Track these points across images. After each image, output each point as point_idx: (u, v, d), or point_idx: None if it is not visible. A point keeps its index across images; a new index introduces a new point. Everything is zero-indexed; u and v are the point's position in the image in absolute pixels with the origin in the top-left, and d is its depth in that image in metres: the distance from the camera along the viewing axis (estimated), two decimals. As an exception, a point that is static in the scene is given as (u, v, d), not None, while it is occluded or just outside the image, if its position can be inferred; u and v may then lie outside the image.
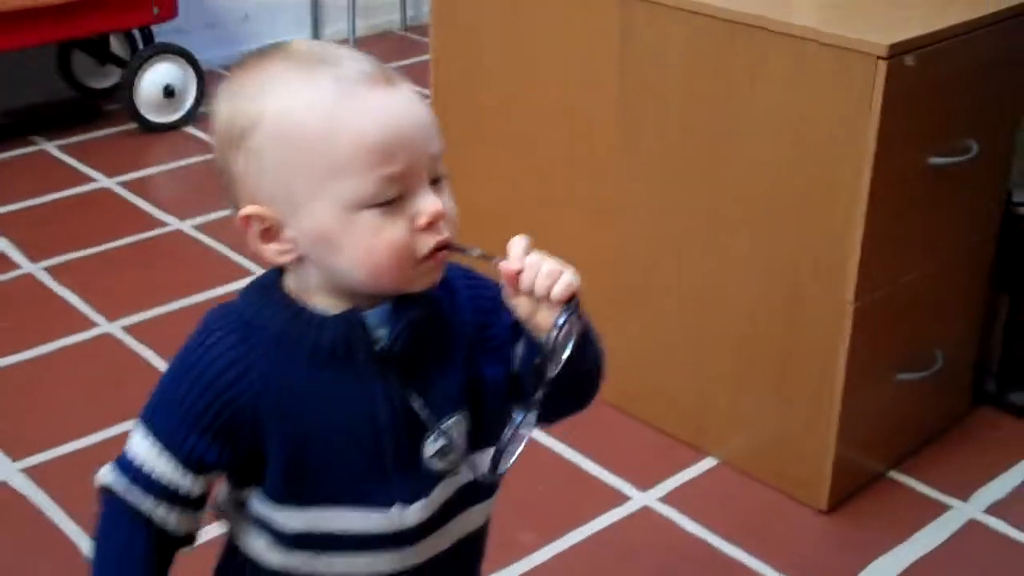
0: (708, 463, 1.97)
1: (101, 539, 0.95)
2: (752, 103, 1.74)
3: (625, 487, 1.91)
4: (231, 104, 0.90)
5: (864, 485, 1.92)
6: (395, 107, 0.88)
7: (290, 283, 0.93)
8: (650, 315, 1.99)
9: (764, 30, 1.71)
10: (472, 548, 1.02)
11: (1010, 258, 2.01)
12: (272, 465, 0.92)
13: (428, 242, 0.88)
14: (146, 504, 0.92)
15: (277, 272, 0.94)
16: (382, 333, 0.91)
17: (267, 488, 0.93)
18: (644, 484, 1.92)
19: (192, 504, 0.94)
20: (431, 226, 0.88)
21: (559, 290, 0.87)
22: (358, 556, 0.95)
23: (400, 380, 0.92)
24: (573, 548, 1.79)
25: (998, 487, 1.93)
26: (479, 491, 0.98)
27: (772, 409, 1.87)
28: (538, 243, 0.90)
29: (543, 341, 0.89)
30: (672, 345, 1.97)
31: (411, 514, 0.94)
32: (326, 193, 0.87)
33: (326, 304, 0.91)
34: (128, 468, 0.93)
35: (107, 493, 0.94)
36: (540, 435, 1.99)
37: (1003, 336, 2.09)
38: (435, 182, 0.90)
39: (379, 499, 0.93)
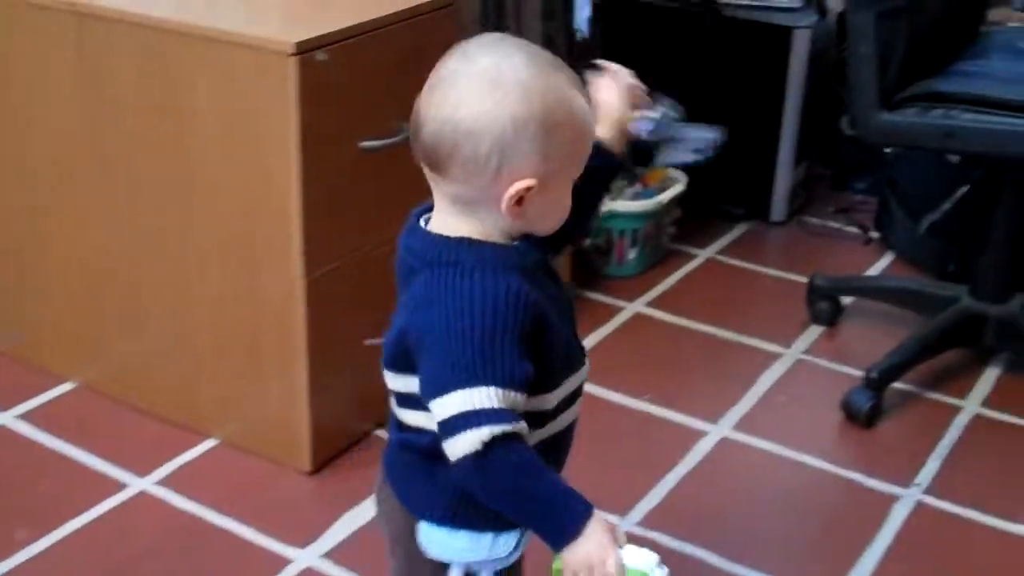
0: (207, 445, 2.09)
1: (516, 477, 1.10)
2: (194, 106, 1.87)
3: (124, 475, 2.00)
4: (530, 99, 1.11)
5: (351, 444, 2.09)
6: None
7: (469, 231, 1.14)
8: (139, 310, 2.09)
9: (195, 36, 1.84)
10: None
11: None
12: (544, 361, 1.12)
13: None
14: (518, 425, 1.08)
15: (444, 236, 1.15)
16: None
17: (540, 380, 1.12)
18: (142, 471, 2.01)
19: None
20: None
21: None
22: (570, 408, 1.23)
23: (559, 276, 1.22)
24: (68, 538, 1.86)
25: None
26: None
27: (251, 386, 2.01)
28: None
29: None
30: (161, 336, 2.08)
31: (587, 366, 1.24)
32: (572, 168, 1.15)
33: (492, 238, 1.14)
34: (492, 417, 1.07)
35: (485, 449, 1.07)
36: (39, 436, 2.07)
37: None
38: None
39: (580, 358, 1.23)
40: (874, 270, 2.80)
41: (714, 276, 2.76)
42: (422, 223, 1.20)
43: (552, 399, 1.17)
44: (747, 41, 2.84)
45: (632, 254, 2.68)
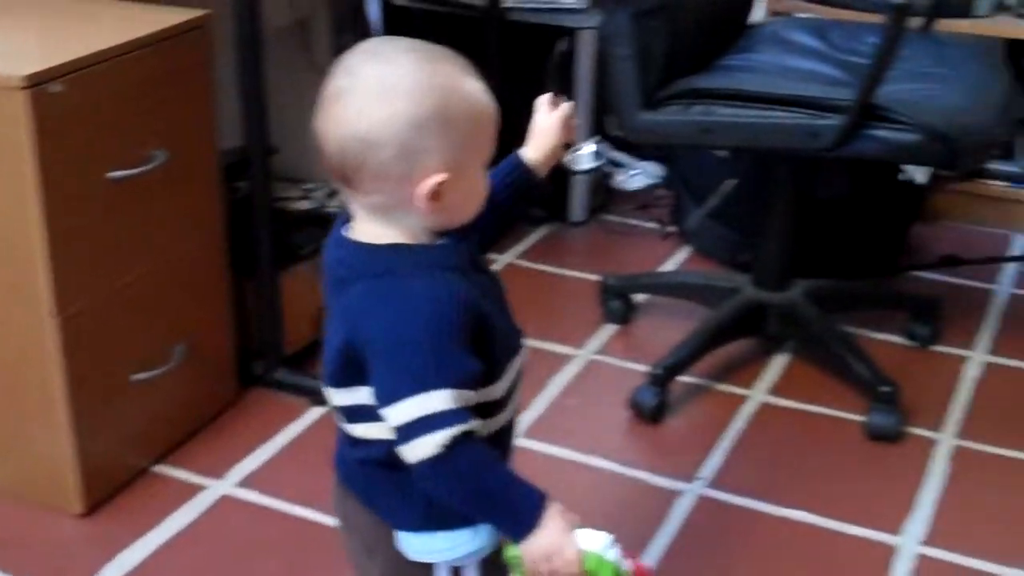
0: (-24, 493, 2.02)
1: (474, 475, 1.14)
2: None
3: None
4: (431, 97, 1.15)
5: (126, 483, 2.03)
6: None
7: (385, 237, 1.18)
8: None
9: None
10: None
11: (242, 245, 2.19)
12: (489, 354, 1.17)
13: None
14: (472, 424, 1.13)
15: (368, 245, 1.18)
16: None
17: (485, 376, 1.16)
18: (-94, 527, 1.94)
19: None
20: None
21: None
22: (515, 394, 1.26)
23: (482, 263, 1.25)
24: None
25: (254, 460, 2.11)
26: None
27: (13, 429, 1.94)
28: None
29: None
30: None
31: (525, 347, 1.27)
32: (479, 158, 1.19)
33: (416, 239, 1.18)
34: (450, 419, 1.11)
35: (445, 451, 1.11)
36: None
37: (257, 319, 2.27)
38: None
39: (518, 342, 1.25)
40: (672, 264, 2.83)
41: (513, 281, 2.68)
42: (345, 233, 1.22)
43: (499, 388, 1.21)
44: (534, 44, 2.84)
45: (427, 264, 2.66)
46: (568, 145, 1.43)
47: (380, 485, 1.25)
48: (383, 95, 1.13)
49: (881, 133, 1.96)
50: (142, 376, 2.00)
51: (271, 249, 2.20)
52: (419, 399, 1.12)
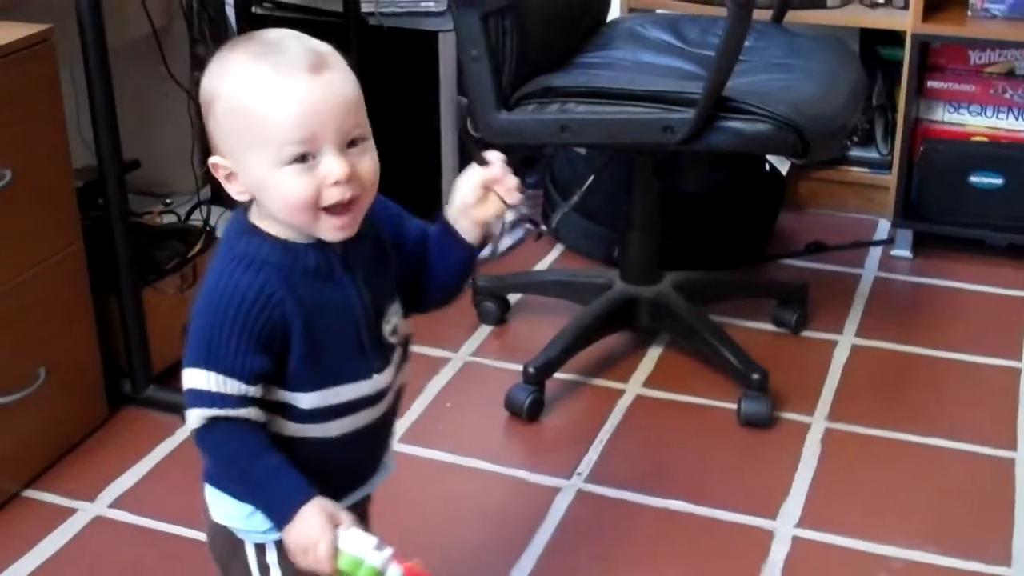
0: None
1: (231, 458, 1.19)
2: None
3: None
4: (206, 79, 1.18)
5: (-5, 510, 1.98)
6: (313, 93, 1.15)
7: (254, 217, 1.21)
8: None
9: None
10: (398, 400, 1.35)
11: (104, 262, 2.14)
12: (293, 362, 1.19)
13: (331, 195, 1.16)
14: (238, 411, 1.17)
15: (243, 212, 1.22)
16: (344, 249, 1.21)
17: (288, 380, 1.20)
18: None
19: (259, 401, 1.19)
20: (336, 184, 1.15)
21: (516, 194, 1.29)
22: (347, 417, 1.25)
23: (360, 284, 1.23)
24: None
25: (126, 481, 2.07)
26: (405, 356, 1.33)
27: None
28: None
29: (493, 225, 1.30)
30: None
31: (382, 378, 1.27)
32: (255, 155, 1.15)
33: (283, 233, 1.20)
34: (210, 399, 1.16)
35: (205, 426, 1.17)
36: None
37: (123, 337, 2.22)
38: (352, 144, 1.17)
39: (362, 372, 1.25)
40: (546, 263, 2.84)
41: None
42: None
43: (304, 400, 1.22)
44: (395, 48, 2.83)
45: (298, 274, 2.64)
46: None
47: None
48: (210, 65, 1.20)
49: (733, 125, 1.99)
50: (4, 400, 1.95)
51: (132, 265, 2.16)
52: (194, 372, 1.18)
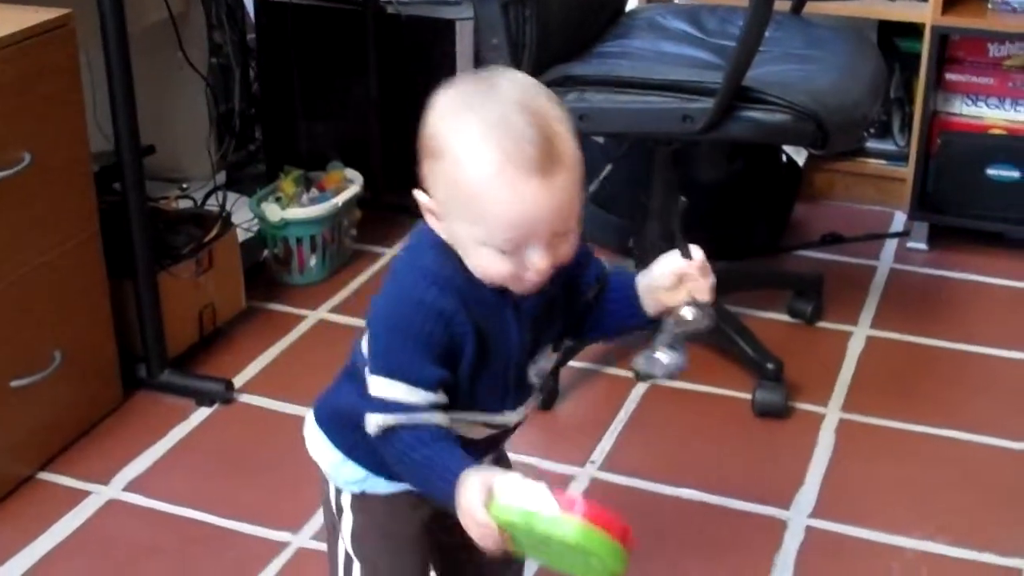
0: None
1: (419, 462, 1.20)
2: None
3: None
4: (436, 119, 1.16)
5: (11, 491, 1.99)
6: (538, 200, 1.12)
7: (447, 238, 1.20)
8: None
9: None
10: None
11: (120, 246, 2.15)
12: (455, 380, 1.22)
13: (529, 279, 1.18)
14: (425, 417, 1.20)
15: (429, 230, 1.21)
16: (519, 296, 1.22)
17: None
18: None
19: (444, 405, 1.22)
20: (536, 273, 1.17)
21: (709, 295, 1.29)
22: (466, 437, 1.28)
23: (525, 327, 1.24)
24: None
25: (141, 464, 2.07)
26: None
27: None
28: None
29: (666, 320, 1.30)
30: None
31: (513, 415, 1.31)
32: (465, 225, 1.15)
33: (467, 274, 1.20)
34: (396, 407, 1.19)
35: (392, 432, 1.20)
36: None
37: (138, 321, 2.22)
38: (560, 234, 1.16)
39: (497, 406, 1.29)
40: (560, 252, 2.83)
41: (401, 274, 2.74)
42: None
43: (438, 417, 1.23)
44: (412, 37, 2.82)
45: (313, 261, 2.64)
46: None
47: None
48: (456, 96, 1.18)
49: (752, 114, 1.98)
50: (21, 382, 1.96)
51: (148, 250, 2.17)
52: (381, 381, 1.21)
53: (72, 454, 2.09)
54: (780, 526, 1.93)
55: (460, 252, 1.19)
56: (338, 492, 1.37)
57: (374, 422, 1.22)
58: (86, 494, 1.99)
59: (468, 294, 1.20)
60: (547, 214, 1.14)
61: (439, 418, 1.22)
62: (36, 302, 1.98)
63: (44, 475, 2.04)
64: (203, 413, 2.21)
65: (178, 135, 2.78)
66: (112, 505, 1.97)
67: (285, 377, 2.32)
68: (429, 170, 1.18)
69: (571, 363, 2.29)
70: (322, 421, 1.36)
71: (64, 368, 2.03)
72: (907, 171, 2.90)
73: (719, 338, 2.32)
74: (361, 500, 1.35)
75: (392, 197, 2.91)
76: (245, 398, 2.26)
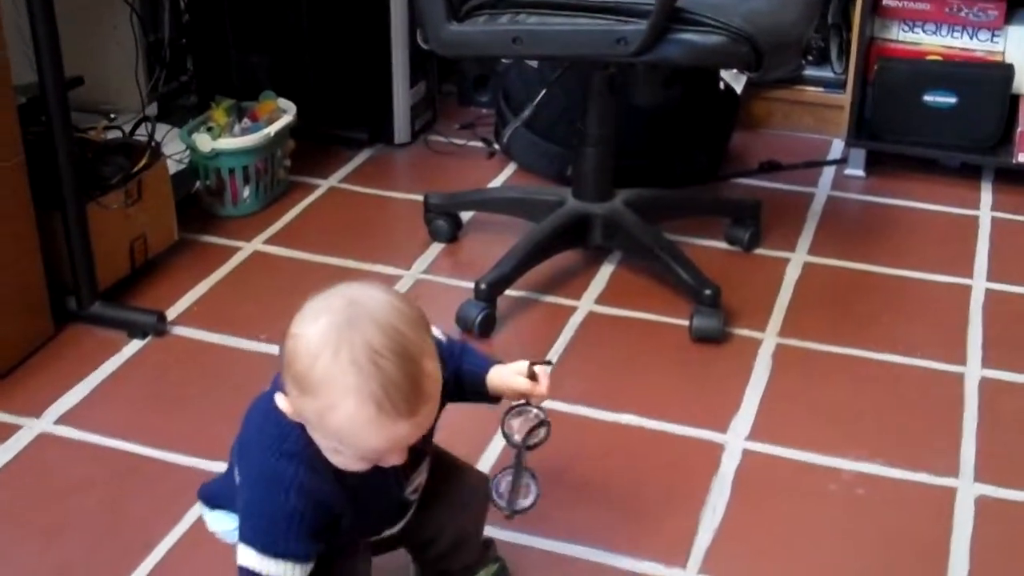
0: None
1: None
2: None
3: None
4: (307, 360, 1.20)
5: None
6: (404, 435, 1.22)
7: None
8: None
9: None
10: None
11: (47, 178, 2.10)
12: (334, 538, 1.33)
13: (387, 463, 1.28)
14: None
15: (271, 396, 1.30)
16: None
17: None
18: None
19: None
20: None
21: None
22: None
23: (400, 469, 1.32)
24: None
25: (72, 397, 2.04)
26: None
27: None
28: None
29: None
30: None
31: (394, 529, 1.45)
32: (326, 441, 1.25)
33: None
34: None
35: None
36: None
37: (68, 252, 2.18)
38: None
39: (376, 532, 1.44)
40: (497, 181, 2.82)
41: (337, 205, 2.71)
42: None
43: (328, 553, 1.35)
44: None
45: (246, 192, 2.60)
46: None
47: None
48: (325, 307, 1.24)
49: (687, 37, 1.96)
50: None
51: (75, 179, 2.12)
52: (251, 554, 1.31)
53: (2, 387, 2.05)
54: (717, 449, 1.94)
55: (318, 444, 1.27)
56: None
57: None
58: (16, 428, 1.96)
59: (336, 471, 1.29)
60: (411, 440, 1.25)
61: None
62: None
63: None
64: (135, 345, 2.17)
65: (108, 66, 2.71)
66: (43, 439, 1.94)
67: (219, 309, 2.29)
68: (297, 396, 1.23)
69: (509, 292, 2.27)
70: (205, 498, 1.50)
71: (-10, 300, 1.99)
72: (845, 98, 2.90)
73: (656, 265, 2.31)
74: None
75: (325, 127, 2.87)
76: (178, 330, 2.23)
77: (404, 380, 1.20)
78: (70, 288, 2.21)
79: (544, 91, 2.39)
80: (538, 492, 1.47)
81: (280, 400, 1.27)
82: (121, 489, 1.84)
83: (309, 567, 1.31)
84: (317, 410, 1.22)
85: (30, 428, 1.96)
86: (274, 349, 2.06)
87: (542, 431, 1.45)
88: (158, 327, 2.19)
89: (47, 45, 2.03)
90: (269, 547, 1.28)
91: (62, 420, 1.98)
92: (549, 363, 1.48)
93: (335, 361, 1.19)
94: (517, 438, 1.45)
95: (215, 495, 1.48)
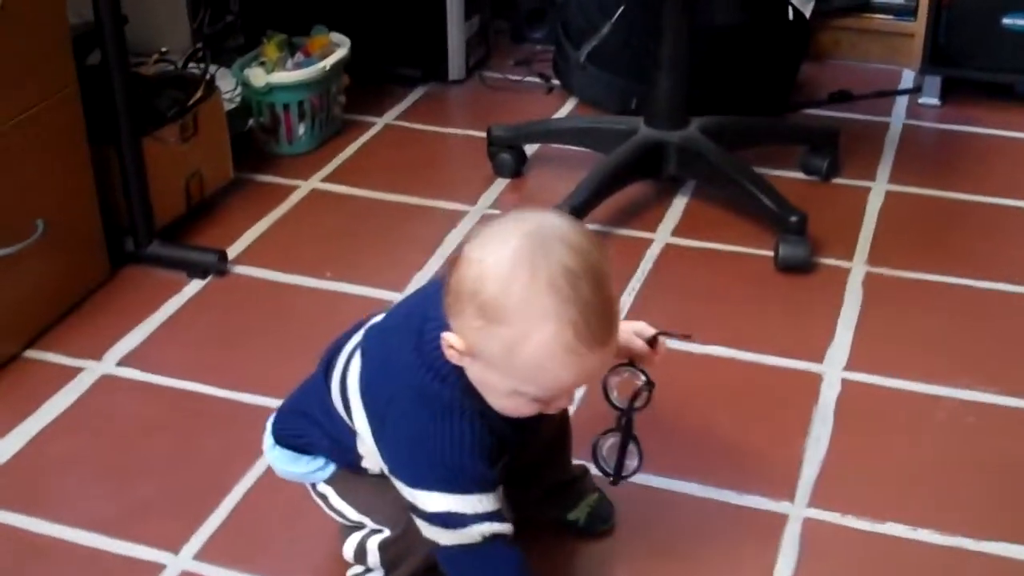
0: None
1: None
2: None
3: None
4: (498, 286, 1.10)
5: (-3, 371, 1.86)
6: (595, 367, 1.14)
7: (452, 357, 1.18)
8: None
9: None
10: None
11: (101, 113, 2.00)
12: None
13: (552, 412, 1.21)
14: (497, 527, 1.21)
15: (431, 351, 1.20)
16: None
17: None
18: None
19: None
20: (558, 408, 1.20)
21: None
22: None
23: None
24: None
25: (133, 339, 1.95)
26: None
27: None
28: None
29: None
30: None
31: None
32: (506, 379, 1.14)
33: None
34: (461, 520, 1.19)
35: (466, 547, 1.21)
36: None
37: (124, 191, 2.08)
38: None
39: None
40: (560, 115, 2.71)
41: (394, 143, 2.61)
42: None
43: None
44: None
45: (301, 129, 2.50)
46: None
47: None
48: (502, 238, 1.15)
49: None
50: (2, 252, 1.82)
51: (130, 112, 2.02)
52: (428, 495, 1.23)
53: (60, 331, 1.96)
54: (815, 379, 1.84)
55: (480, 388, 1.18)
56: (313, 486, 1.40)
57: (438, 536, 1.22)
58: (78, 371, 1.87)
59: (490, 414, 1.21)
60: (598, 375, 1.19)
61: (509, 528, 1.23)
62: (15, 164, 1.84)
63: (32, 353, 1.91)
64: (196, 286, 2.08)
65: (151, 6, 2.61)
66: (106, 381, 1.85)
67: (281, 248, 2.19)
68: (480, 327, 1.12)
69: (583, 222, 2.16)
70: (278, 438, 1.41)
71: (47, 238, 1.89)
72: (915, 26, 2.79)
73: (736, 193, 2.21)
74: (334, 477, 1.38)
75: (377, 65, 2.77)
76: (240, 269, 2.13)
77: (600, 304, 1.11)
78: (126, 228, 2.11)
79: (610, 23, 2.27)
80: (641, 457, 1.39)
81: (450, 339, 1.16)
82: (190, 430, 1.75)
83: (499, 499, 1.22)
84: (508, 341, 1.11)
85: (92, 371, 1.87)
86: (342, 287, 1.98)
87: (645, 394, 1.35)
88: (219, 266, 2.10)
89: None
90: (446, 483, 1.19)
91: (124, 362, 1.89)
92: (688, 337, 1.43)
93: (532, 283, 1.09)
94: (622, 401, 1.35)
95: (289, 432, 1.39)
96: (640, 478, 1.59)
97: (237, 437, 1.71)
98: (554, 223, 1.15)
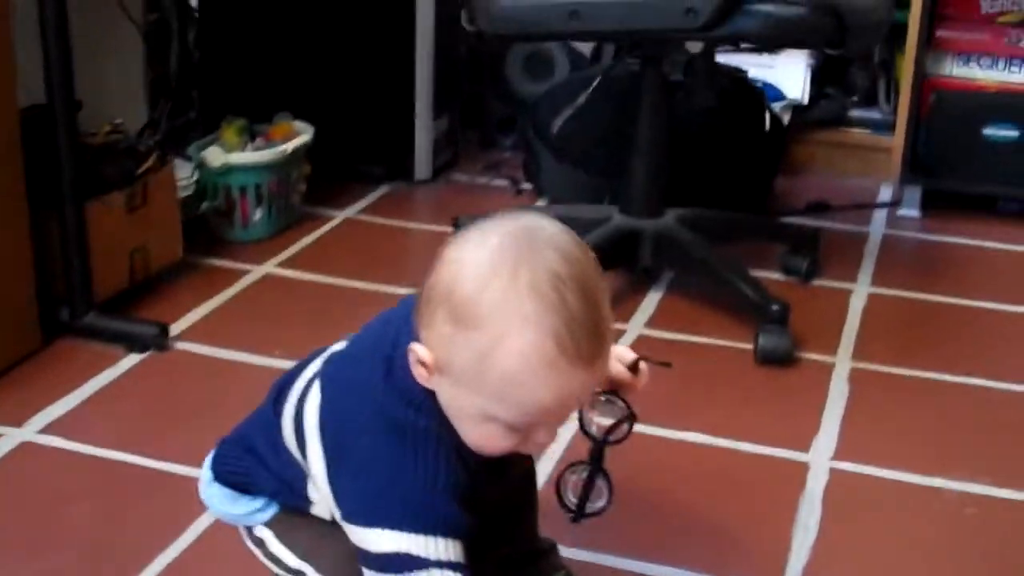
0: None
1: None
2: None
3: None
4: (474, 285, 0.97)
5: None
6: (579, 388, 1.00)
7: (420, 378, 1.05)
8: None
9: None
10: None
11: (44, 175, 1.88)
12: None
13: (527, 450, 1.06)
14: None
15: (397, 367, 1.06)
16: None
17: None
18: None
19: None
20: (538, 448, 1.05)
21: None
22: None
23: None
24: None
25: (60, 407, 1.79)
26: None
27: None
28: None
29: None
30: None
31: None
32: (479, 399, 0.99)
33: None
34: (418, 563, 1.02)
35: None
36: None
37: (63, 257, 1.95)
38: None
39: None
40: (528, 217, 2.60)
41: (355, 234, 2.50)
42: None
43: None
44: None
45: (258, 215, 2.38)
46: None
47: None
48: (480, 241, 1.03)
49: (765, 8, 1.78)
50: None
51: (75, 174, 1.90)
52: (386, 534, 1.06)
53: (-16, 399, 1.80)
54: (802, 468, 1.70)
55: (450, 415, 1.04)
56: (249, 530, 1.23)
57: None
58: (9, 439, 1.71)
59: (463, 449, 1.07)
60: (582, 397, 1.04)
61: None
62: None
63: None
64: (133, 359, 1.94)
65: (109, 88, 2.51)
66: (25, 447, 1.69)
67: (228, 326, 2.06)
68: (450, 334, 0.99)
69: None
70: (217, 474, 1.25)
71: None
72: (892, 141, 2.73)
73: (714, 283, 2.10)
74: (274, 520, 1.21)
75: (347, 159, 2.68)
76: (181, 345, 1.99)
77: (588, 318, 0.98)
78: (63, 298, 1.97)
79: (599, 79, 2.19)
80: (611, 495, 1.23)
81: (418, 351, 1.02)
82: (115, 500, 1.59)
83: (463, 547, 1.05)
84: (479, 348, 0.98)
85: (10, 437, 1.71)
86: (290, 365, 1.84)
87: (625, 427, 1.20)
88: (159, 341, 1.95)
89: (54, 24, 1.83)
90: (412, 520, 1.03)
91: (47, 430, 1.74)
92: (668, 364, 1.24)
93: (512, 284, 0.97)
94: (596, 431, 1.20)
95: (231, 468, 1.24)
96: (617, 561, 1.46)
97: (163, 507, 1.55)
98: (544, 226, 1.02)
